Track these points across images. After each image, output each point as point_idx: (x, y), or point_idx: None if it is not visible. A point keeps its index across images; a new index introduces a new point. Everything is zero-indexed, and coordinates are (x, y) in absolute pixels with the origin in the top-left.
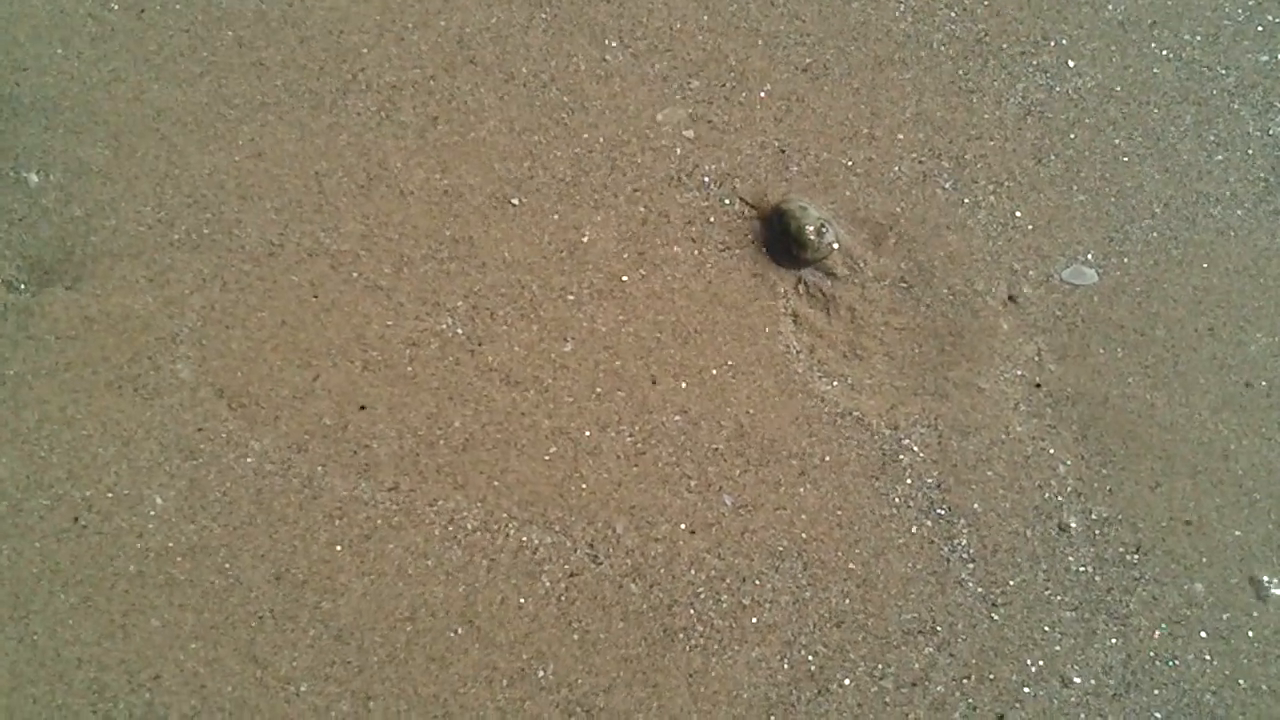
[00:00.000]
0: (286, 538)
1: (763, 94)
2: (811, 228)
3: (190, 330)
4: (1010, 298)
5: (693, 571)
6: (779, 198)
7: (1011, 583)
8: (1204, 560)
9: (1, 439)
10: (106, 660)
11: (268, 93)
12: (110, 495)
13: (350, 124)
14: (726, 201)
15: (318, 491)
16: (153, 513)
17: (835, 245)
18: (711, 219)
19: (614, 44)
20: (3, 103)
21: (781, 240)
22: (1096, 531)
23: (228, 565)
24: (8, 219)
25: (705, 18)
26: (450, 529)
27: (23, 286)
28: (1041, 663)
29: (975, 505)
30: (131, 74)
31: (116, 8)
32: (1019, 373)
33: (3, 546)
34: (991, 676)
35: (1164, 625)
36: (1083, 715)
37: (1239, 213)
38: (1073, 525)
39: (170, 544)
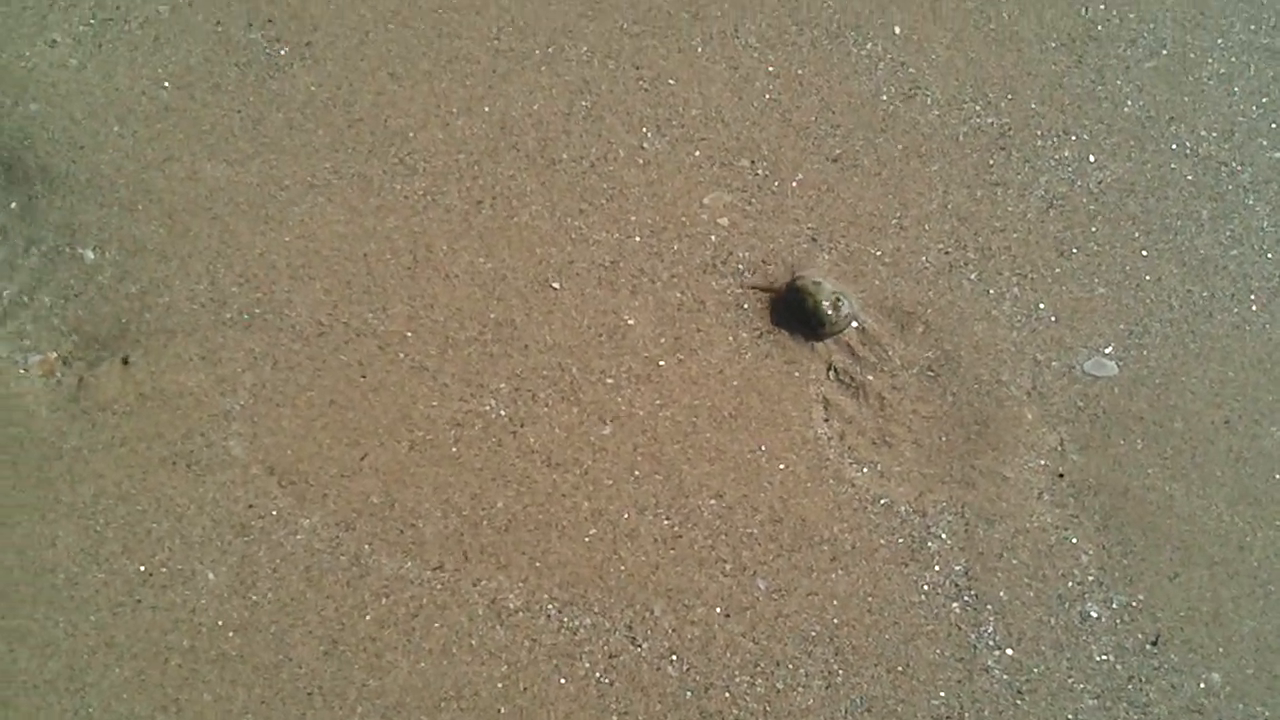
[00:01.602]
0: (335, 615)
1: (794, 183)
2: (827, 303)
3: (242, 408)
4: (1034, 388)
5: (728, 655)
6: (790, 277)
7: (1036, 670)
8: (1220, 650)
9: (59, 513)
10: None
11: (317, 174)
12: (164, 570)
13: (398, 206)
14: (741, 289)
15: (365, 570)
16: (205, 588)
17: (854, 319)
18: (745, 305)
19: (650, 133)
20: (60, 180)
21: (800, 317)
22: (1117, 620)
23: (278, 641)
24: (64, 294)
25: (739, 109)
26: (493, 609)
27: (78, 362)
28: None
29: (1001, 593)
30: (185, 153)
31: (170, 86)
32: (1042, 462)
33: (59, 619)
34: None
35: (1183, 716)
36: None
37: (1254, 308)
38: (1094, 614)
39: (222, 620)
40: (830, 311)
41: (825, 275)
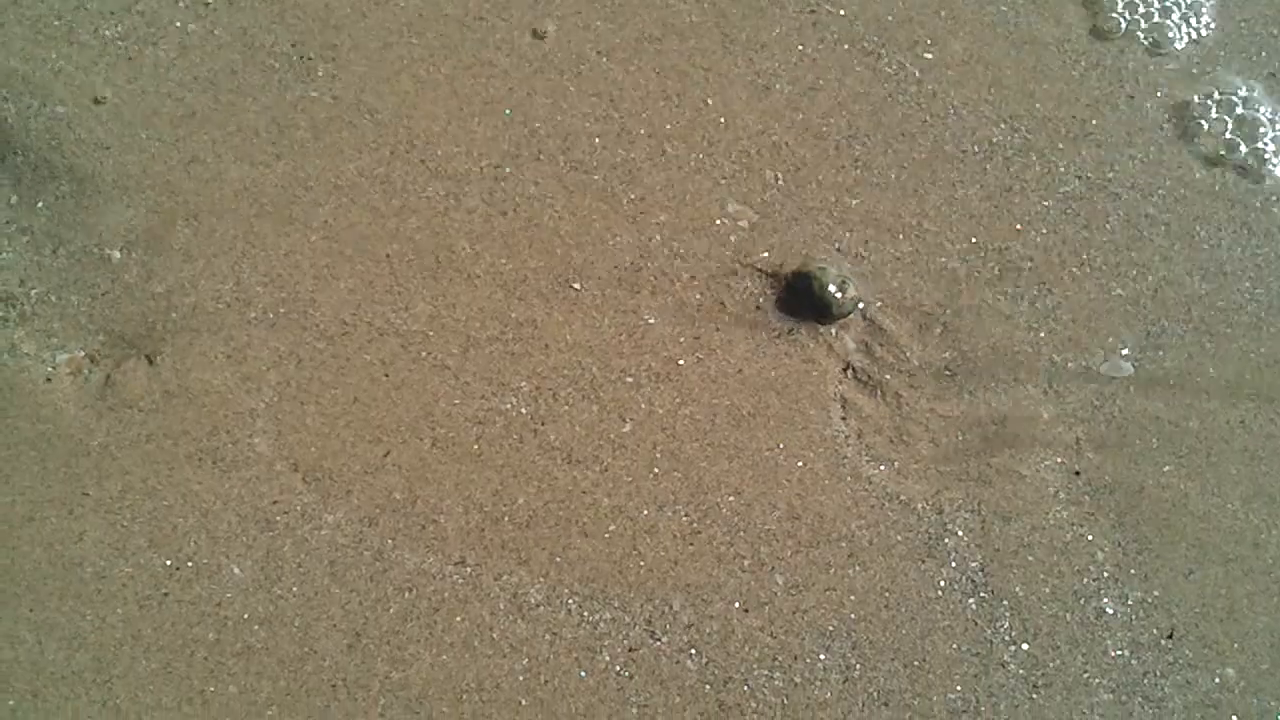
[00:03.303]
0: (358, 609)
1: (813, 186)
2: (833, 285)
3: (267, 406)
4: (1050, 388)
5: (746, 649)
6: (799, 264)
7: (1051, 665)
8: (1235, 646)
9: (86, 507)
10: None
11: (341, 176)
12: (190, 565)
13: (420, 208)
14: (750, 274)
15: (388, 564)
16: (231, 582)
17: (859, 303)
18: (763, 306)
19: (671, 136)
20: (87, 181)
21: (807, 302)
22: (1133, 616)
23: (302, 634)
24: (90, 294)
25: (759, 113)
26: (514, 603)
27: (105, 360)
28: None
29: (1017, 588)
30: (210, 155)
31: (195, 90)
32: (1059, 460)
33: (86, 612)
34: None
35: (1197, 710)
36: None
37: (1270, 309)
38: (1110, 609)
39: (247, 613)
40: (837, 294)
41: (837, 265)
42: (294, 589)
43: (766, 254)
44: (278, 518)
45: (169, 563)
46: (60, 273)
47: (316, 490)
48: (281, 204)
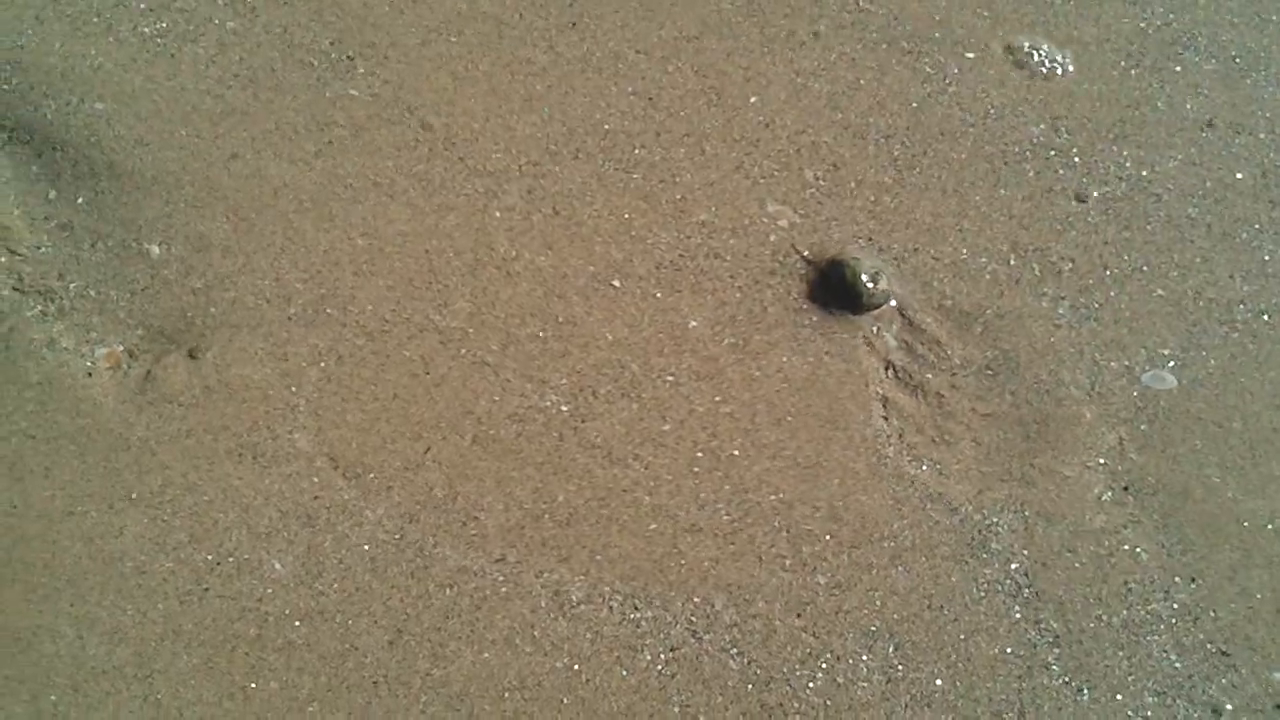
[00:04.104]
0: (400, 605)
1: (852, 185)
2: (866, 276)
3: (307, 402)
4: (1093, 388)
5: (789, 649)
6: (836, 251)
7: (1096, 667)
8: None
9: (126, 502)
10: None
11: (380, 173)
12: (231, 560)
13: (459, 205)
14: (783, 258)
15: (429, 561)
16: (272, 578)
17: (891, 296)
18: (804, 306)
19: (710, 134)
20: (126, 177)
21: (839, 291)
22: (1177, 619)
23: (343, 631)
24: (130, 289)
25: (797, 112)
26: (556, 601)
27: (145, 355)
28: None
29: (1060, 590)
30: (249, 152)
31: (234, 87)
32: (1101, 461)
33: (127, 607)
34: None
35: (1244, 714)
36: None
37: None
38: (1155, 612)
39: (288, 609)
40: (869, 284)
41: (872, 258)
42: (335, 585)
43: (806, 253)
44: (319, 514)
45: (210, 558)
46: (99, 267)
47: (357, 486)
48: (321, 201)
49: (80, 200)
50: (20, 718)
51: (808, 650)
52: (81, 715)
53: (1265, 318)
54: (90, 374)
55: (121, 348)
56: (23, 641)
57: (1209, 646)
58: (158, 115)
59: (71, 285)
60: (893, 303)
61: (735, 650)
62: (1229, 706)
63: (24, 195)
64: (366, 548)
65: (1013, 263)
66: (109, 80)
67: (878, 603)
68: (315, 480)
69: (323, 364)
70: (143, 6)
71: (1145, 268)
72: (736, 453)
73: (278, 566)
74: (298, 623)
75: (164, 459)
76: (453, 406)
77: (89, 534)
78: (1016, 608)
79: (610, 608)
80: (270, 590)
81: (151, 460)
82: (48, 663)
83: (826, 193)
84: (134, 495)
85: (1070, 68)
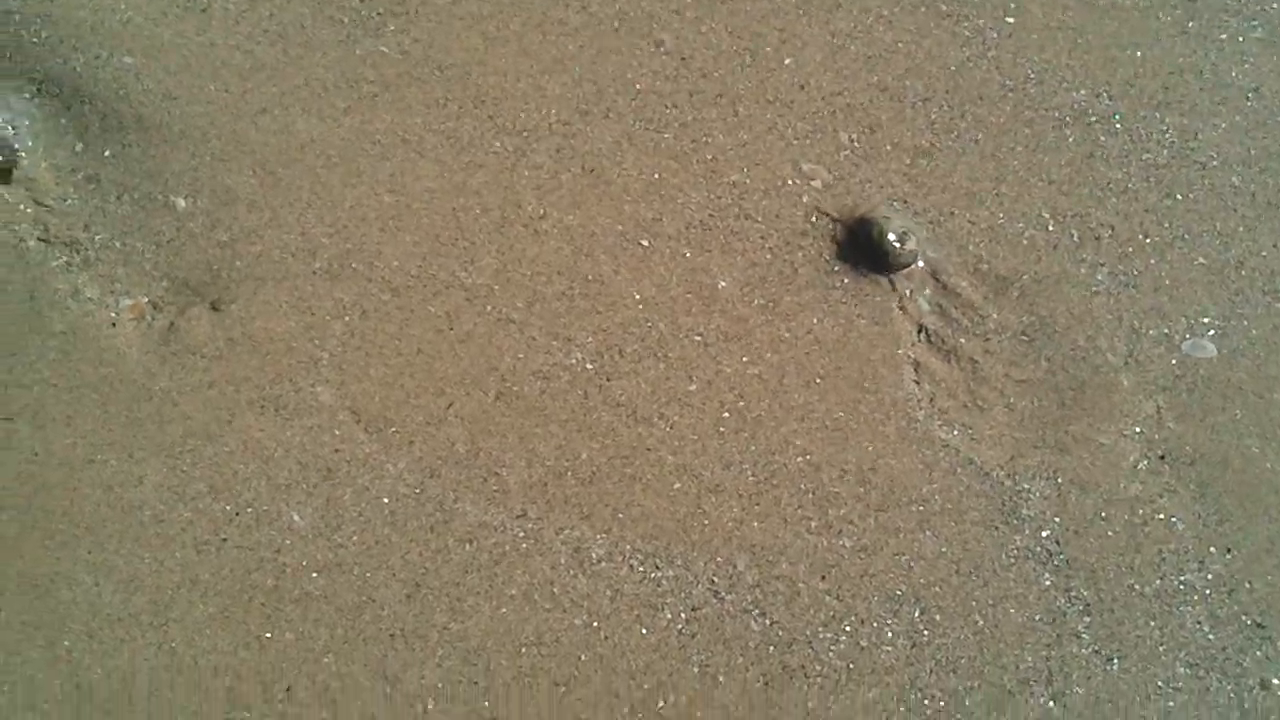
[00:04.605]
0: (418, 559)
1: (888, 147)
2: (894, 235)
3: (330, 355)
4: (1131, 356)
5: (812, 611)
6: (867, 209)
7: (1127, 637)
8: None
9: (147, 451)
10: (242, 670)
11: (409, 130)
12: (250, 510)
13: (487, 163)
14: (815, 220)
15: (449, 515)
16: (290, 529)
17: (919, 256)
18: (836, 268)
19: (745, 96)
20: (154, 130)
21: (866, 250)
22: (1211, 590)
23: (361, 583)
24: (155, 241)
25: (832, 73)
26: (576, 558)
27: (169, 306)
28: (1155, 717)
29: (1092, 559)
30: (278, 107)
31: (264, 42)
32: (1138, 430)
33: (145, 555)
34: None
35: (1276, 685)
36: None
37: None
38: (1188, 582)
39: (306, 561)
40: (895, 243)
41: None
42: (354, 538)
43: (839, 215)
44: (339, 466)
45: (228, 508)
46: (125, 219)
47: (378, 440)
48: (349, 157)
49: (107, 153)
50: (36, 663)
51: (831, 613)
52: (96, 661)
53: None
54: (114, 325)
55: (146, 299)
56: (40, 588)
57: (1244, 619)
58: (187, 69)
59: (97, 237)
60: (920, 263)
61: (757, 611)
62: (1260, 679)
63: (52, 148)
64: (386, 501)
65: (1051, 228)
66: (138, 34)
67: (904, 567)
68: (336, 433)
69: (347, 318)
70: None
71: (1186, 235)
72: (764, 414)
73: (296, 518)
74: (315, 574)
75: (185, 410)
76: (477, 363)
77: (109, 482)
78: (1047, 575)
79: (631, 566)
80: (289, 541)
81: (173, 411)
82: (64, 609)
83: (862, 155)
84: (155, 445)
85: (1114, 35)
